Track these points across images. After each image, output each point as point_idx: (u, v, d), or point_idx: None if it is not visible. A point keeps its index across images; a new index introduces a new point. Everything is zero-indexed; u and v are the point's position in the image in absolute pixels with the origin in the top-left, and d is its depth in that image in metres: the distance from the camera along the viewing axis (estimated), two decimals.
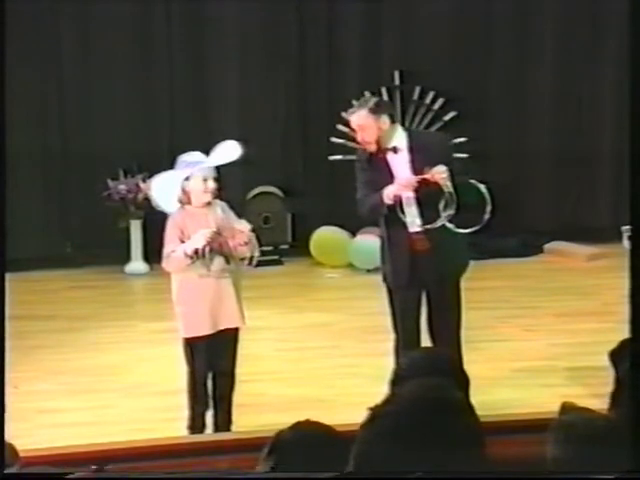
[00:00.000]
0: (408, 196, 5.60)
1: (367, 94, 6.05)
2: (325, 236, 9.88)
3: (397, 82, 10.02)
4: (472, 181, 5.55)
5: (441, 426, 2.00)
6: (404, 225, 5.62)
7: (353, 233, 9.83)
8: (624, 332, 3.34)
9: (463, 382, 3.42)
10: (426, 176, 5.46)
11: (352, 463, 2.02)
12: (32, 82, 9.48)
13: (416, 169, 5.58)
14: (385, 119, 5.63)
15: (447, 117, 9.93)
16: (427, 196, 5.53)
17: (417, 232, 5.64)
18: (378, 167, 5.65)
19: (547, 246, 10.12)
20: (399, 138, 5.68)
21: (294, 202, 10.10)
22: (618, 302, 5.71)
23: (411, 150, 5.64)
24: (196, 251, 5.43)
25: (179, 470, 3.85)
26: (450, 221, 5.52)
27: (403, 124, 9.98)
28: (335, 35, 10.06)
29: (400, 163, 5.64)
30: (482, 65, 10.15)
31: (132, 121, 9.80)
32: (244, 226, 5.59)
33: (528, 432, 4.20)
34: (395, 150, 5.63)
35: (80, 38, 9.69)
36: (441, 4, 10.07)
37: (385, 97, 10.03)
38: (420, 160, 5.57)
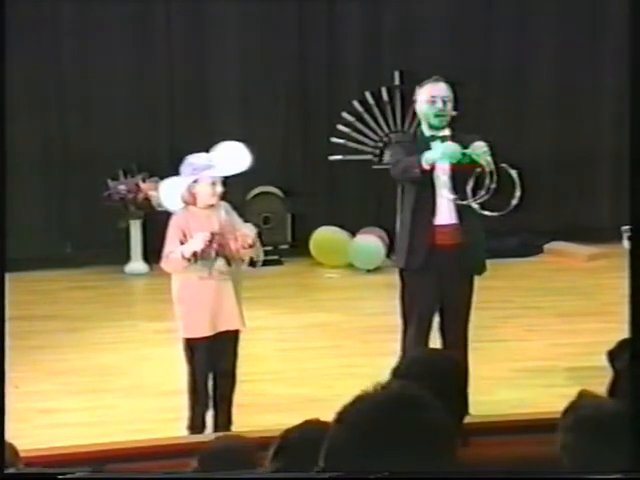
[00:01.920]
0: (444, 167, 5.56)
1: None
2: (325, 236, 9.88)
3: (397, 82, 10.02)
4: (503, 165, 5.57)
5: (402, 423, 2.01)
6: (432, 212, 5.61)
7: (353, 233, 9.84)
8: (624, 332, 3.34)
9: (462, 383, 3.42)
10: (467, 151, 5.45)
11: (322, 462, 2.04)
12: (32, 82, 9.48)
13: None
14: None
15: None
16: (461, 174, 5.53)
17: (445, 225, 5.64)
18: (420, 152, 5.60)
19: (547, 246, 10.12)
20: (445, 129, 5.73)
21: (294, 202, 10.10)
22: (618, 302, 5.70)
23: (452, 141, 5.65)
24: (194, 254, 5.42)
25: (179, 470, 3.85)
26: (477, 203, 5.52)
27: (403, 124, 10.03)
28: (335, 35, 10.06)
29: None
30: (482, 65, 10.15)
31: (132, 121, 9.80)
32: (249, 229, 5.57)
33: (529, 432, 4.21)
34: (443, 139, 5.63)
35: (80, 38, 9.69)
36: (441, 4, 10.08)
37: (385, 97, 10.07)
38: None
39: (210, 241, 5.41)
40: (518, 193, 5.54)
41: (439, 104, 5.67)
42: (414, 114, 10.00)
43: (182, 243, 5.46)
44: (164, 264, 5.56)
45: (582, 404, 2.76)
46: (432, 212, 5.63)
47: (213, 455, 3.78)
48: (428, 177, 5.54)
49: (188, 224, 5.50)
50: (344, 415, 2.07)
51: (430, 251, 5.63)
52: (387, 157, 5.98)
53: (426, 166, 5.46)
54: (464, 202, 5.51)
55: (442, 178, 5.59)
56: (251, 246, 5.50)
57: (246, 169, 5.60)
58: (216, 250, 5.48)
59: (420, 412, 2.03)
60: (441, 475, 1.98)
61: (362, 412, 2.05)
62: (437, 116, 5.67)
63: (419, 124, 5.91)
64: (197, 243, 5.40)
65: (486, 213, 5.56)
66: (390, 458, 1.97)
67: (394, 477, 1.93)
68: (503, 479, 2.25)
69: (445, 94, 5.70)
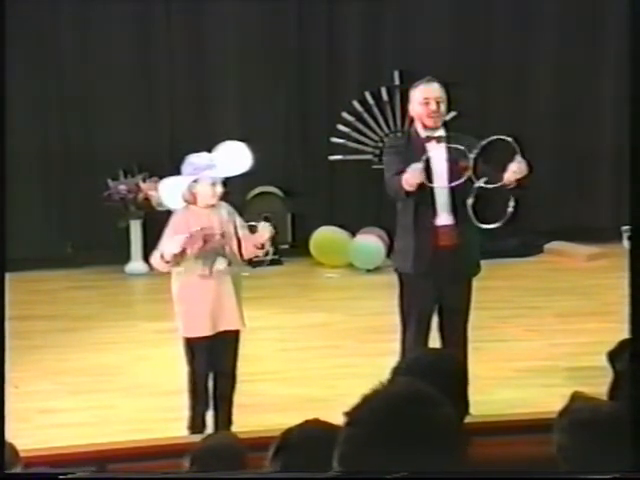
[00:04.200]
0: (442, 177, 5.57)
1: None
2: (325, 236, 9.88)
3: (397, 82, 10.02)
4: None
5: (415, 420, 2.01)
6: (431, 214, 5.61)
7: (353, 233, 9.84)
8: (624, 332, 3.34)
9: (462, 383, 3.42)
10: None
11: (336, 464, 2.03)
12: (32, 82, 9.47)
13: (451, 161, 5.61)
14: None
15: (447, 117, 9.91)
16: (460, 190, 5.55)
17: (444, 225, 5.64)
18: (415, 154, 5.57)
19: (547, 246, 10.11)
20: (440, 129, 5.72)
21: (294, 202, 10.10)
22: (618, 302, 5.71)
23: (448, 142, 5.65)
24: (175, 256, 5.38)
25: (179, 470, 3.85)
26: (476, 217, 5.53)
27: (403, 124, 10.02)
28: (335, 35, 10.06)
29: (437, 153, 5.62)
30: (482, 65, 10.15)
31: (132, 121, 9.79)
32: (266, 230, 5.55)
33: (529, 432, 4.21)
34: (439, 140, 5.62)
35: (80, 38, 9.69)
36: (441, 4, 10.08)
37: (385, 97, 10.07)
38: (455, 154, 5.58)
39: (186, 244, 5.36)
40: (512, 202, 5.56)
41: (433, 105, 5.65)
42: None
43: None
44: (152, 260, 5.59)
45: (575, 406, 2.76)
46: (433, 214, 5.63)
47: (204, 453, 3.78)
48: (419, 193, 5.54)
49: (188, 223, 5.49)
50: (355, 415, 2.06)
51: (434, 253, 5.63)
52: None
53: (410, 188, 5.45)
54: (490, 226, 5.54)
55: (441, 191, 5.60)
56: (262, 246, 5.51)
57: (247, 170, 5.60)
58: (217, 249, 5.47)
59: (431, 408, 2.03)
60: (445, 475, 1.98)
61: (374, 411, 2.04)
62: (431, 117, 5.66)
63: (411, 122, 5.90)
64: (174, 245, 5.36)
65: (483, 226, 5.57)
66: (406, 455, 1.96)
67: (400, 478, 1.93)
68: (503, 479, 2.24)
69: (438, 95, 5.68)
